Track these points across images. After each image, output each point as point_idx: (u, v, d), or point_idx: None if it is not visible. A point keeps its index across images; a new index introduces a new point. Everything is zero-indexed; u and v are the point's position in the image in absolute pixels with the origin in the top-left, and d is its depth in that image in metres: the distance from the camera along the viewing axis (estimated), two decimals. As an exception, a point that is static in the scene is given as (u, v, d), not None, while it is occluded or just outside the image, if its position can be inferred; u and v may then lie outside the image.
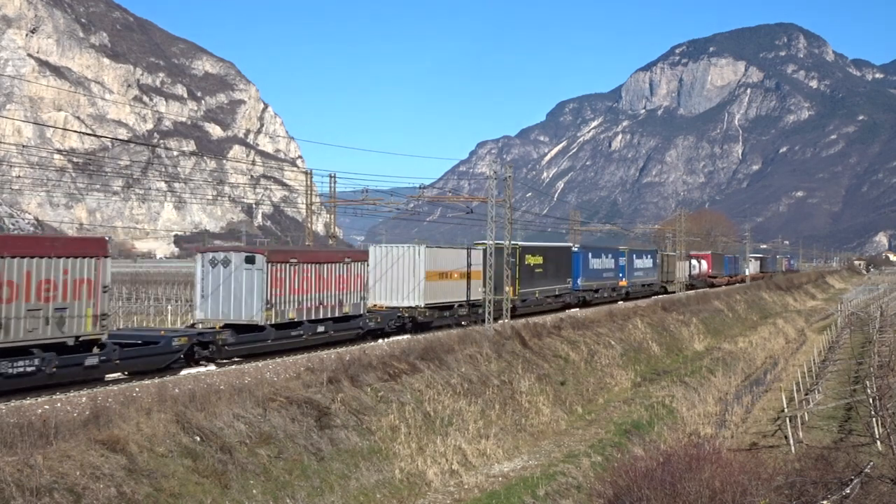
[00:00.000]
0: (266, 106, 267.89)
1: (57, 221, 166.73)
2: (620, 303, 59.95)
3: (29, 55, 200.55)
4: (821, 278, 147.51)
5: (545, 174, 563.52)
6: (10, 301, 19.18)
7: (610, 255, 63.16)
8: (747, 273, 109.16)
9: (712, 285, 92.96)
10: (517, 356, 32.75)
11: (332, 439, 20.16)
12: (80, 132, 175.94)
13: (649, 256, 74.70)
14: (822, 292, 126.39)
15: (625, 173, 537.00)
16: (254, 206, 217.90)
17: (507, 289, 39.77)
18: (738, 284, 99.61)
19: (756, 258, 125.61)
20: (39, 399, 18.68)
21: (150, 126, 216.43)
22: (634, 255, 69.89)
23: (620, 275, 65.06)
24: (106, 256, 21.89)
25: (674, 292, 74.42)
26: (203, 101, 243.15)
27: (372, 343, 31.45)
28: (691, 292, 75.59)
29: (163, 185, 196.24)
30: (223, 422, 17.87)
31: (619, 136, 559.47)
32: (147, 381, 21.41)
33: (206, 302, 28.13)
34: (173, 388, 19.71)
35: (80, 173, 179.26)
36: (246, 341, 27.10)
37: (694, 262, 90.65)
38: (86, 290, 20.99)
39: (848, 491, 18.14)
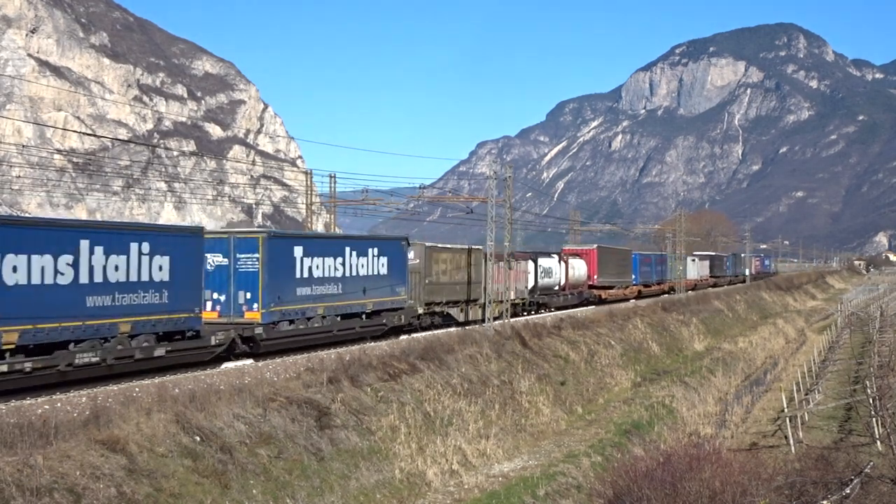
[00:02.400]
0: (266, 106, 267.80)
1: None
2: (625, 304, 59.79)
3: (29, 55, 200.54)
4: (821, 278, 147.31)
5: (545, 174, 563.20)
6: None
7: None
8: (691, 277, 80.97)
9: (600, 300, 57.85)
10: (517, 356, 32.75)
11: (332, 439, 20.16)
12: (80, 132, 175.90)
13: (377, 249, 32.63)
14: (822, 292, 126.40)
15: (625, 173, 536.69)
16: (254, 206, 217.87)
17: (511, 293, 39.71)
18: (662, 297, 69.44)
19: (703, 258, 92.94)
20: (39, 399, 18.67)
21: (150, 126, 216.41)
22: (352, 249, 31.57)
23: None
24: None
25: (474, 322, 38.94)
26: (203, 101, 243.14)
27: (372, 343, 31.42)
28: (691, 293, 70.93)
29: (163, 185, 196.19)
30: (223, 422, 17.87)
31: (619, 137, 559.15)
32: (147, 381, 21.40)
33: None
34: (173, 388, 19.70)
35: (80, 173, 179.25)
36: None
37: (549, 262, 50.45)
38: None
39: (848, 491, 18.13)
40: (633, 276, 66.71)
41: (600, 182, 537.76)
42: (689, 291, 74.53)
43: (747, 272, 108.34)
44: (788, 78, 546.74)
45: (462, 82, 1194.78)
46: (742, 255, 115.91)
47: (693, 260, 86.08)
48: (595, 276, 57.63)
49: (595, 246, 59.86)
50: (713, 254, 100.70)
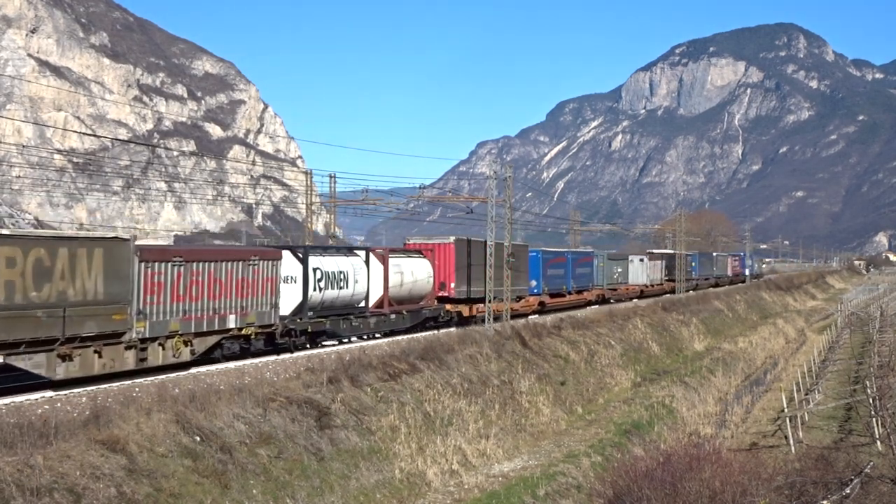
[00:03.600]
0: (266, 106, 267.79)
1: (57, 221, 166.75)
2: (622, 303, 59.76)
3: (29, 55, 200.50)
4: (821, 278, 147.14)
5: (545, 174, 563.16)
6: None
7: None
8: (636, 283, 67.77)
9: (461, 319, 40.46)
10: (517, 356, 32.76)
11: (332, 439, 20.16)
12: (80, 132, 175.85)
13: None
14: (822, 292, 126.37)
15: (625, 173, 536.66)
16: (254, 206, 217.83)
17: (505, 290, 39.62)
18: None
19: (655, 257, 75.20)
20: (39, 399, 18.67)
21: (150, 126, 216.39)
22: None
23: None
24: None
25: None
26: (203, 101, 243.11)
27: (372, 343, 31.40)
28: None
29: (163, 185, 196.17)
30: (223, 422, 17.87)
31: (619, 137, 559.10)
32: (147, 381, 21.40)
33: None
34: (173, 388, 19.70)
35: (80, 173, 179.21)
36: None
37: (344, 262, 32.32)
38: None
39: (848, 491, 18.13)
40: (535, 283, 49.06)
41: (600, 182, 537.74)
42: (636, 300, 62.02)
43: (721, 274, 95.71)
44: (788, 78, 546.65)
45: (462, 82, 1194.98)
46: (714, 254, 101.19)
47: (641, 260, 70.52)
48: (451, 285, 39.93)
49: (453, 239, 40.80)
50: (670, 251, 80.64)
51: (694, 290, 77.51)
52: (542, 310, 49.57)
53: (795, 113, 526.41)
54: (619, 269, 62.13)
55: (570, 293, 55.81)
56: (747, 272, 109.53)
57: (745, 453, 25.40)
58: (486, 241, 39.94)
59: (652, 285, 71.77)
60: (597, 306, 56.55)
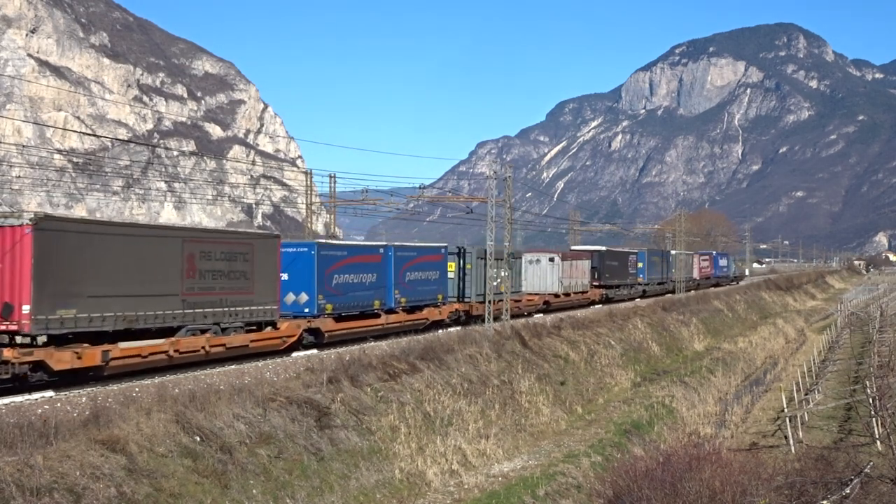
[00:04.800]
0: (266, 106, 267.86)
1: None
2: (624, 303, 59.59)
3: (29, 55, 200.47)
4: (820, 278, 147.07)
5: (545, 174, 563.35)
6: None
7: None
8: (536, 291, 50.48)
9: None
10: (517, 356, 32.75)
11: (332, 439, 20.16)
12: (80, 132, 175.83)
13: None
14: (822, 292, 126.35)
15: (625, 173, 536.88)
16: (254, 206, 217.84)
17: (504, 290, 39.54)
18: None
19: (577, 256, 56.95)
20: (39, 399, 18.68)
21: (150, 126, 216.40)
22: None
23: None
24: None
25: None
26: (203, 101, 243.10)
27: (372, 343, 31.42)
28: (691, 293, 68.23)
29: (163, 185, 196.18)
30: (223, 422, 17.87)
31: (619, 136, 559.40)
32: (147, 381, 21.40)
33: None
34: (173, 388, 19.71)
35: (80, 173, 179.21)
36: None
37: None
38: None
39: (848, 491, 18.12)
40: (304, 298, 30.02)
41: (600, 182, 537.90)
42: (538, 315, 46.05)
43: (681, 277, 75.49)
44: (788, 78, 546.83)
45: (462, 82, 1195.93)
46: (673, 252, 78.51)
47: (552, 260, 52.68)
48: None
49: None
50: (600, 248, 62.96)
51: (641, 298, 65.06)
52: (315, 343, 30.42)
53: (795, 113, 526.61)
54: (506, 273, 39.62)
55: (388, 311, 34.88)
56: (720, 274, 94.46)
57: (744, 453, 25.40)
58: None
59: (568, 294, 54.47)
60: (600, 306, 56.33)
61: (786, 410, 28.63)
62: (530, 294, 50.20)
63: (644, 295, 67.75)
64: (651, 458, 20.67)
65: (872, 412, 27.32)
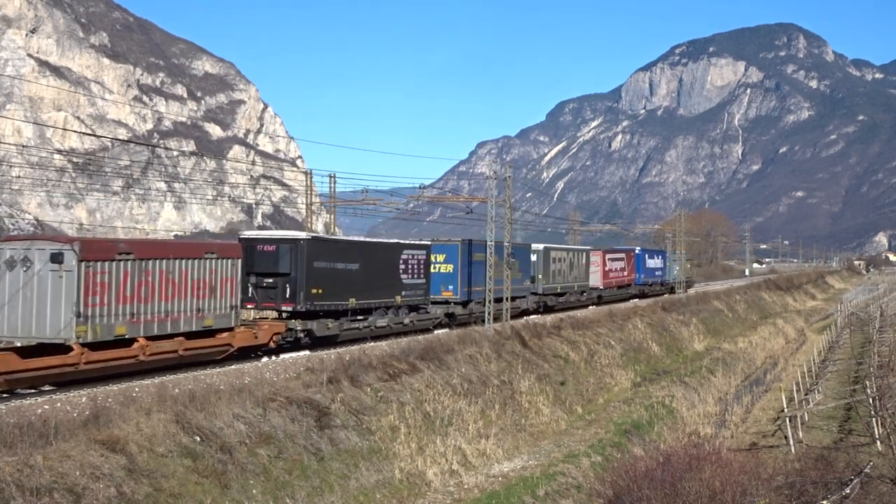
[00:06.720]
0: (266, 106, 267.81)
1: (57, 221, 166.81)
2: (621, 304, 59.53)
3: (29, 55, 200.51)
4: (820, 278, 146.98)
5: (545, 174, 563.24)
6: None
7: None
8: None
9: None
10: (517, 356, 32.74)
11: (332, 439, 20.16)
12: (80, 132, 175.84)
13: None
14: (822, 292, 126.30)
15: (625, 173, 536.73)
16: (254, 206, 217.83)
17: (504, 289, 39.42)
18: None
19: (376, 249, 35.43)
20: (39, 399, 18.68)
21: (150, 126, 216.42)
22: None
23: None
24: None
25: None
26: (203, 101, 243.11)
27: (372, 343, 31.42)
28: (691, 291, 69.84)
29: (163, 185, 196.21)
30: (223, 422, 17.87)
31: (619, 136, 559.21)
32: (147, 381, 21.41)
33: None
34: (173, 388, 19.70)
35: (80, 173, 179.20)
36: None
37: None
38: None
39: (848, 491, 18.12)
40: None
41: (600, 182, 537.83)
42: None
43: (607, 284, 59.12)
44: (788, 78, 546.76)
45: (462, 82, 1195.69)
46: (586, 250, 59.51)
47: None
48: None
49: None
50: (431, 242, 39.86)
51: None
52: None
53: (795, 113, 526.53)
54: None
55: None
56: (651, 280, 71.27)
57: (744, 453, 25.40)
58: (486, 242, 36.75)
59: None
60: (604, 306, 56.35)
61: (786, 410, 28.63)
62: None
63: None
64: (651, 458, 20.67)
65: (872, 412, 27.32)
